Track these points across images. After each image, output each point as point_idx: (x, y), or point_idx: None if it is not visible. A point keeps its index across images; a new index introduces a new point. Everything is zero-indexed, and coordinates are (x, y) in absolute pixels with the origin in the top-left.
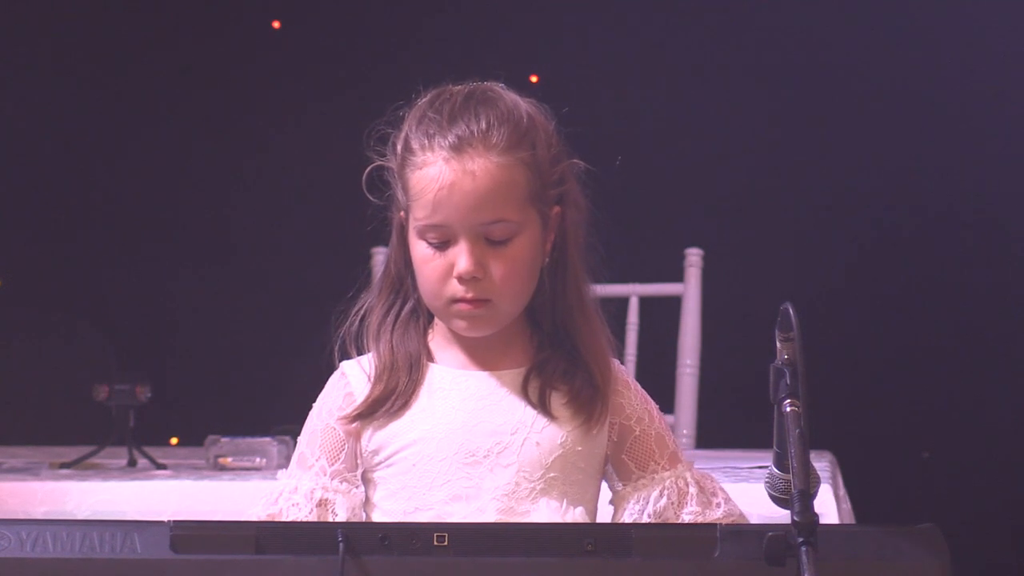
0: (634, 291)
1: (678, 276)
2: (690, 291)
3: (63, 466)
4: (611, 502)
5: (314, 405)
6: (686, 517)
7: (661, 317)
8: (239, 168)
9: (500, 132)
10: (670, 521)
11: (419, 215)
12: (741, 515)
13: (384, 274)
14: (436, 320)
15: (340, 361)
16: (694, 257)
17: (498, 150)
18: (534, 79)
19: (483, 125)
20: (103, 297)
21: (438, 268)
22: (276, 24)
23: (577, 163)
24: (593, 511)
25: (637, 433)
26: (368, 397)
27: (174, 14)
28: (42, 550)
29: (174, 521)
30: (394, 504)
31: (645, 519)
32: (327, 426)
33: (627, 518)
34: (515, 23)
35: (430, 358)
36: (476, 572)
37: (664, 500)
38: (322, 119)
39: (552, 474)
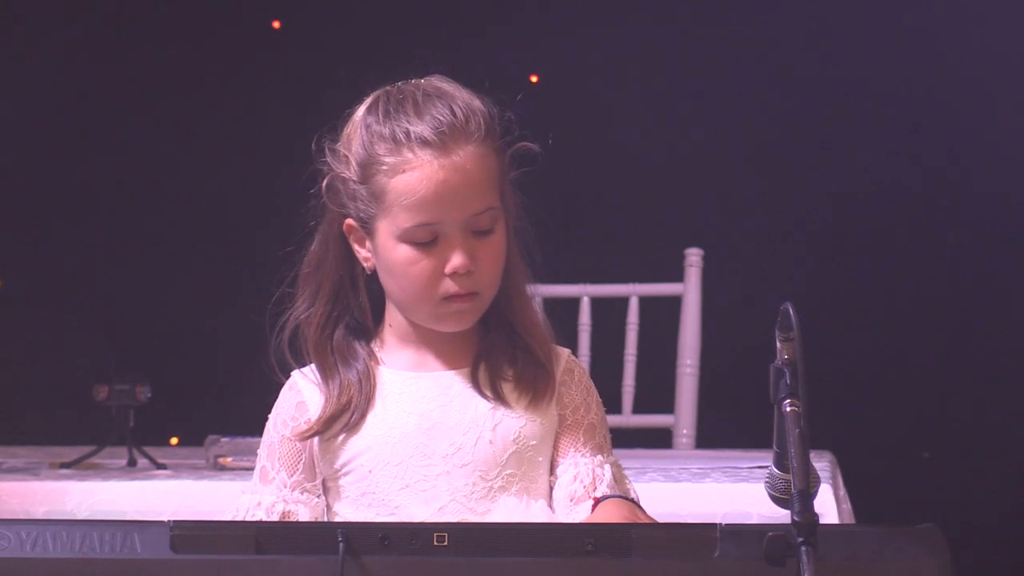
0: (634, 291)
1: (678, 276)
2: (690, 291)
3: (63, 466)
4: None
5: (269, 417)
6: (597, 494)
7: (661, 317)
8: (239, 168)
9: (475, 121)
10: (582, 503)
11: (403, 218)
12: (649, 518)
13: (320, 284)
14: (387, 323)
15: (280, 369)
16: (694, 257)
17: (476, 139)
18: (534, 79)
19: (460, 116)
20: (103, 297)
21: (427, 268)
22: (276, 24)
23: (529, 146)
24: (549, 503)
25: (569, 422)
26: (321, 416)
27: (174, 14)
28: (42, 550)
29: (174, 521)
30: (355, 511)
31: (567, 503)
32: (283, 438)
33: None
34: (515, 23)
35: (378, 362)
36: (476, 572)
37: (577, 484)
38: (323, 119)
39: (509, 471)
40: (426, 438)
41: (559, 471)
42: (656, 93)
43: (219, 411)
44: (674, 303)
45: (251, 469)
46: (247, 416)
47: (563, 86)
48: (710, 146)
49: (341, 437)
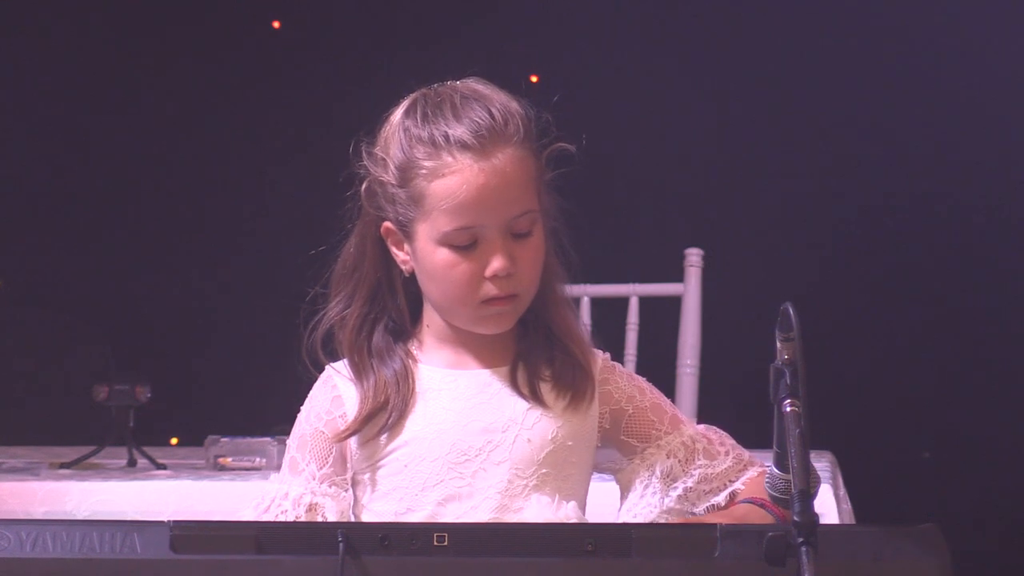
0: (634, 291)
1: (678, 276)
2: (690, 291)
3: (63, 466)
4: (618, 481)
5: (302, 409)
6: (695, 472)
7: (661, 317)
8: (239, 168)
9: (513, 123)
10: (679, 479)
11: (442, 222)
12: (751, 459)
13: (356, 286)
14: (424, 324)
15: (312, 366)
16: (694, 257)
17: (515, 142)
18: (534, 79)
19: (498, 119)
20: (103, 297)
21: (467, 271)
22: (276, 24)
23: (566, 147)
24: (584, 504)
25: (631, 412)
26: (359, 415)
27: (174, 14)
28: (42, 550)
29: (174, 521)
30: (386, 505)
31: (655, 483)
32: (316, 431)
33: (638, 487)
34: (515, 23)
35: (416, 361)
36: (476, 572)
37: (671, 460)
38: (323, 119)
39: (544, 470)
40: (464, 435)
41: (647, 454)
42: (656, 93)
43: (219, 411)
44: (674, 303)
45: (251, 469)
46: (247, 416)
47: (563, 86)
48: (710, 147)
49: (384, 436)
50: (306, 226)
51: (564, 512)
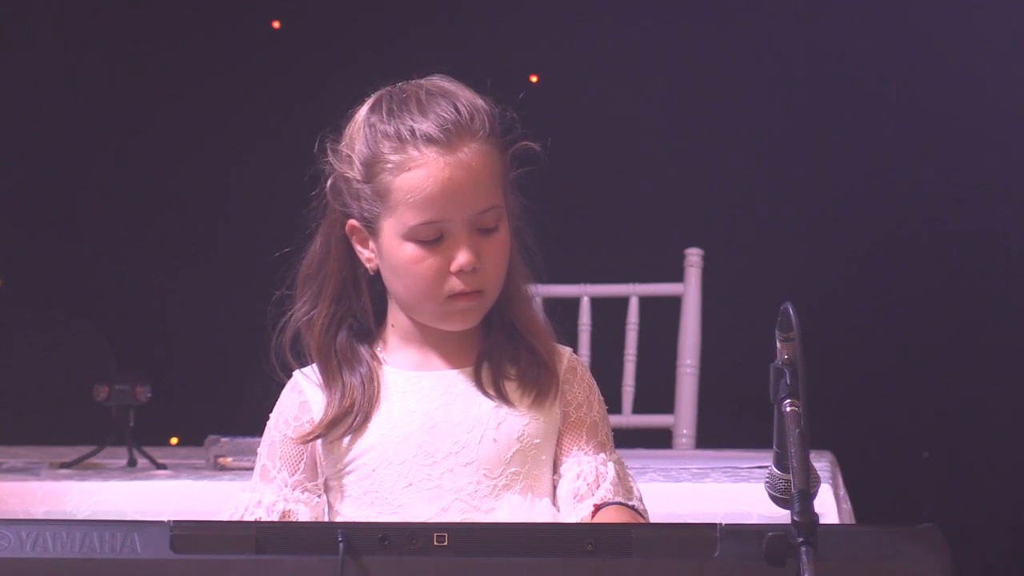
0: (634, 291)
1: (678, 276)
2: (690, 291)
3: (63, 466)
4: None
5: (270, 416)
6: (598, 494)
7: (661, 317)
8: (239, 168)
9: (479, 119)
10: (585, 500)
11: (408, 216)
12: (644, 511)
13: (322, 286)
14: (389, 323)
15: (280, 369)
16: (694, 257)
17: (481, 137)
18: (534, 79)
19: (464, 114)
20: (103, 297)
21: (433, 266)
22: (276, 24)
23: (530, 145)
24: (553, 502)
25: (572, 420)
26: (324, 419)
27: (174, 13)
28: (42, 550)
29: (174, 521)
30: (357, 510)
31: (570, 501)
32: (284, 437)
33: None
34: (515, 23)
35: (381, 363)
36: (476, 572)
37: (580, 482)
38: (322, 119)
39: (513, 469)
40: (429, 437)
41: (563, 469)
42: (656, 93)
43: (219, 411)
44: (674, 303)
45: (251, 469)
46: (247, 416)
47: (563, 86)
48: (710, 146)
49: (347, 439)
50: (307, 227)
51: (537, 511)
